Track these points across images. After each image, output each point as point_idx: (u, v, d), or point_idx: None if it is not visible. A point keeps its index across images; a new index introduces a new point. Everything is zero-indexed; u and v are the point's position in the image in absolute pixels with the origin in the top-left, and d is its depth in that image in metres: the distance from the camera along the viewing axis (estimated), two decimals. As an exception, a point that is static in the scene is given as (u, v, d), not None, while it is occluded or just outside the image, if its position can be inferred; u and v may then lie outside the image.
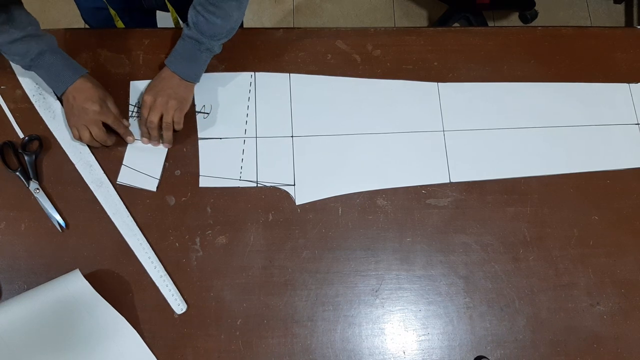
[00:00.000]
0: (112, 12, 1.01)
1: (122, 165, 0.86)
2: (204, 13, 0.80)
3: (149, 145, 0.87)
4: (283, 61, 0.94)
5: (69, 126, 0.84)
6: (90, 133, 0.82)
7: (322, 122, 0.91)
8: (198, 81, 0.87)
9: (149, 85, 0.87)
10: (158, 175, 0.86)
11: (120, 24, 1.04)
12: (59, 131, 0.87)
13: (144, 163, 0.86)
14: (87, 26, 1.14)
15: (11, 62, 0.88)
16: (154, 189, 0.85)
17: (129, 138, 0.86)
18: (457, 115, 0.93)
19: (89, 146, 0.86)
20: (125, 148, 0.87)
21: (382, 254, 0.85)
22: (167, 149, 0.87)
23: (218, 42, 0.84)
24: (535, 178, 0.91)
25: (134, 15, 1.05)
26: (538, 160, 0.92)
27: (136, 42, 0.93)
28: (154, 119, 0.83)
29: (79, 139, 0.83)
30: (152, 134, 0.85)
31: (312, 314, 0.81)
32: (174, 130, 0.86)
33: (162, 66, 0.87)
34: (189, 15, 0.83)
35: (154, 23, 1.16)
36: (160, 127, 0.85)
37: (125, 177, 0.85)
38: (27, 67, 0.81)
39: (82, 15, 1.10)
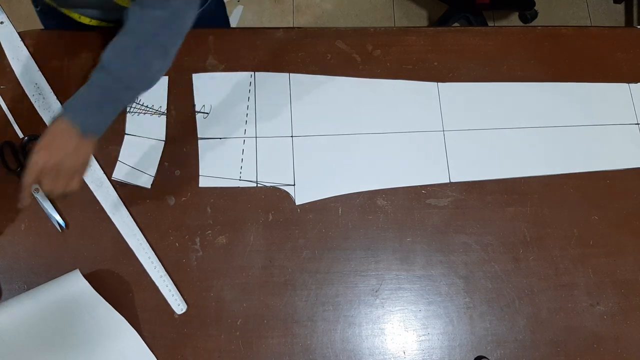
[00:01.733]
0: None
1: (118, 161, 0.86)
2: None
3: (145, 142, 0.86)
4: (283, 61, 0.94)
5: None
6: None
7: (322, 122, 0.91)
8: (100, 135, 0.69)
9: (39, 142, 0.66)
10: (153, 173, 0.86)
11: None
12: (58, 131, 0.87)
13: (139, 160, 0.86)
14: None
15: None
16: (149, 186, 0.85)
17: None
18: (457, 115, 0.93)
19: None
20: (121, 145, 0.87)
21: (382, 254, 0.85)
22: (162, 147, 0.87)
23: (130, 92, 0.70)
24: (535, 178, 0.91)
25: None
26: (538, 160, 0.92)
27: (136, 42, 0.93)
28: (46, 188, 0.67)
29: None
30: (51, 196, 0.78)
31: (312, 314, 0.81)
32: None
33: None
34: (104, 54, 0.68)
35: None
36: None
37: (120, 173, 0.85)
38: None
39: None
